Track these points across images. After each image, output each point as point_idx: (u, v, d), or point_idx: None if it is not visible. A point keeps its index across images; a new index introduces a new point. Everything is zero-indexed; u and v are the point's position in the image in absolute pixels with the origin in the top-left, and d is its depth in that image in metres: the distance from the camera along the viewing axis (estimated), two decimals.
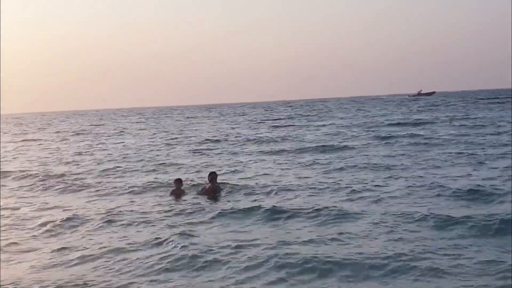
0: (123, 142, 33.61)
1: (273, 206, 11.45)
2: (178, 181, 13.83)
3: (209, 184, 13.53)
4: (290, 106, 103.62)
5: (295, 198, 12.68)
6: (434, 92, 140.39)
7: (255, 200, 12.62)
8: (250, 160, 20.86)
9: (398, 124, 37.33)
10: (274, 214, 10.92)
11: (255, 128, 42.19)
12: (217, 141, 30.60)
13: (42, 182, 17.10)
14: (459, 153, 19.64)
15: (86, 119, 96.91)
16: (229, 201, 12.71)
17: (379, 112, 60.26)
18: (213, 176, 13.66)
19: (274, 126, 43.99)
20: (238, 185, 14.56)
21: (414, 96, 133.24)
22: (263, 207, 11.33)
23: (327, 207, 11.05)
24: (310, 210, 10.96)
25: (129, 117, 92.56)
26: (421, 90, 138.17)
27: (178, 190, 13.54)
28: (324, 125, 40.96)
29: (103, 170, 19.43)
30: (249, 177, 16.23)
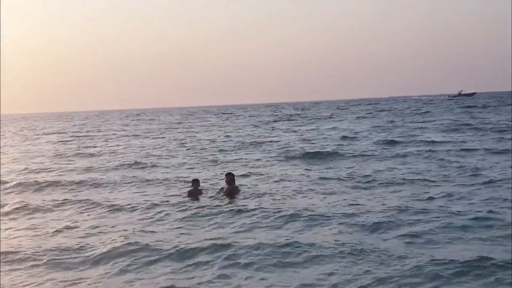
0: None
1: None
2: (195, 181, 13.58)
3: (227, 185, 13.13)
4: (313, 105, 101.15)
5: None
6: (475, 93, 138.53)
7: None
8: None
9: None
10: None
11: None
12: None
13: None
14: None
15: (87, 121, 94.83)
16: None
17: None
18: (230, 177, 13.23)
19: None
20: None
21: (454, 96, 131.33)
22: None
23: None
24: None
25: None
26: (461, 91, 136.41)
27: (195, 190, 13.27)
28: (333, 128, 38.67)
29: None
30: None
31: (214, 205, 11.93)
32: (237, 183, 13.57)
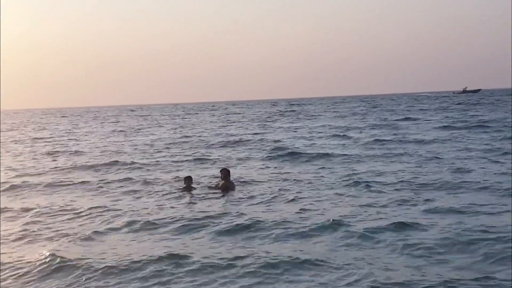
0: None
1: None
2: (188, 179, 13.35)
3: (222, 181, 12.94)
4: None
5: None
6: (480, 90, 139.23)
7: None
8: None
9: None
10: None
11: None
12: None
13: None
14: None
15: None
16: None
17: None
18: (225, 172, 13.01)
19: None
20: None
21: (458, 93, 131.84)
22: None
23: None
24: None
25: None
26: (466, 87, 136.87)
27: (188, 188, 13.10)
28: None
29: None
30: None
31: (203, 206, 11.31)
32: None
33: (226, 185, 12.88)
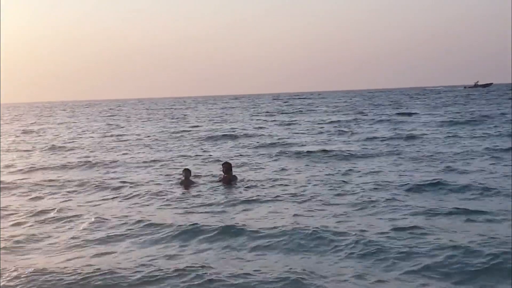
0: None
1: None
2: (187, 171, 13.15)
3: (225, 175, 13.07)
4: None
5: None
6: (491, 84, 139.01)
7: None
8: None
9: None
10: None
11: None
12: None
13: None
14: None
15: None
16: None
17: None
18: (227, 166, 13.15)
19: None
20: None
21: (470, 87, 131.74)
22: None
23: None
24: None
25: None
26: (477, 82, 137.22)
27: (186, 180, 12.95)
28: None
29: None
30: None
31: (195, 204, 10.82)
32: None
33: (229, 178, 12.99)
